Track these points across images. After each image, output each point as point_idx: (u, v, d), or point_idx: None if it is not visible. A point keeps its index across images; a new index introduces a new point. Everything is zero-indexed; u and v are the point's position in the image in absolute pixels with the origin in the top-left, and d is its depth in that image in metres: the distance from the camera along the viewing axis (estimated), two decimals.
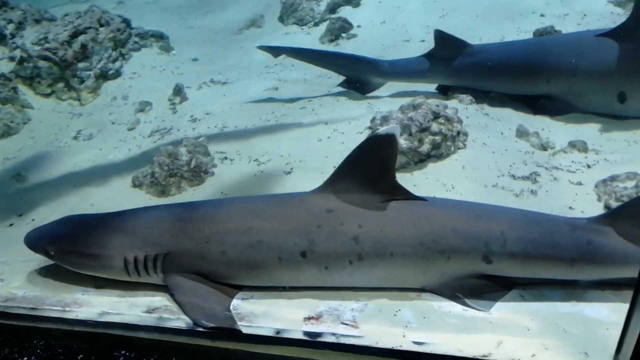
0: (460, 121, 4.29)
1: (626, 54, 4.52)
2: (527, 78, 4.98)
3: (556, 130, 4.75)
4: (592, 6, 6.55)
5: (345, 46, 7.29)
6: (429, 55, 5.16)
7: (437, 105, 4.23)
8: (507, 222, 2.96)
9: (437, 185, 3.99)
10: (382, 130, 2.96)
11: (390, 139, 2.92)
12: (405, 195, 3.04)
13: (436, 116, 4.15)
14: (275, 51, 6.04)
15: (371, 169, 2.99)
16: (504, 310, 2.91)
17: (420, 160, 4.19)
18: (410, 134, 4.10)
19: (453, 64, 5.09)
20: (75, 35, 6.26)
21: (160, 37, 7.47)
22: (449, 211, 3.05)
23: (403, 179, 4.07)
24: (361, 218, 2.99)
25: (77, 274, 3.29)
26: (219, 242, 3.05)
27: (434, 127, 4.12)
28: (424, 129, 4.11)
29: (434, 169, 4.16)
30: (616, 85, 4.60)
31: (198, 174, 4.37)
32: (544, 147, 4.50)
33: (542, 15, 6.72)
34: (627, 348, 2.22)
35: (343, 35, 7.47)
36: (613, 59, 4.56)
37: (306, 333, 2.81)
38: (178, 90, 6.10)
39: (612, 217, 2.92)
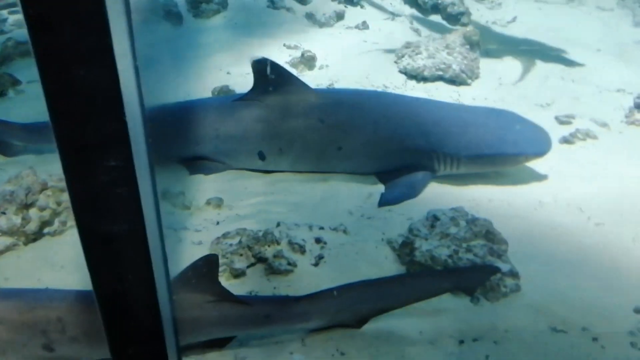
0: None
1: (258, 118, 4.80)
2: (180, 142, 4.96)
3: (205, 189, 4.73)
4: None
5: None
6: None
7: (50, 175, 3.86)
8: (64, 307, 2.68)
9: (46, 266, 3.56)
10: None
11: None
12: None
13: (44, 188, 3.77)
14: None
15: None
16: None
17: (34, 239, 3.74)
18: (12, 212, 3.64)
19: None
20: None
21: None
22: (2, 303, 2.67)
23: (8, 264, 3.61)
24: None
25: None
26: None
27: (42, 201, 3.73)
28: (28, 205, 3.68)
29: (47, 248, 3.73)
30: (254, 145, 4.83)
31: None
32: (187, 207, 4.43)
33: (228, 73, 6.87)
34: None
35: None
36: (249, 122, 4.80)
37: None
38: None
39: None
